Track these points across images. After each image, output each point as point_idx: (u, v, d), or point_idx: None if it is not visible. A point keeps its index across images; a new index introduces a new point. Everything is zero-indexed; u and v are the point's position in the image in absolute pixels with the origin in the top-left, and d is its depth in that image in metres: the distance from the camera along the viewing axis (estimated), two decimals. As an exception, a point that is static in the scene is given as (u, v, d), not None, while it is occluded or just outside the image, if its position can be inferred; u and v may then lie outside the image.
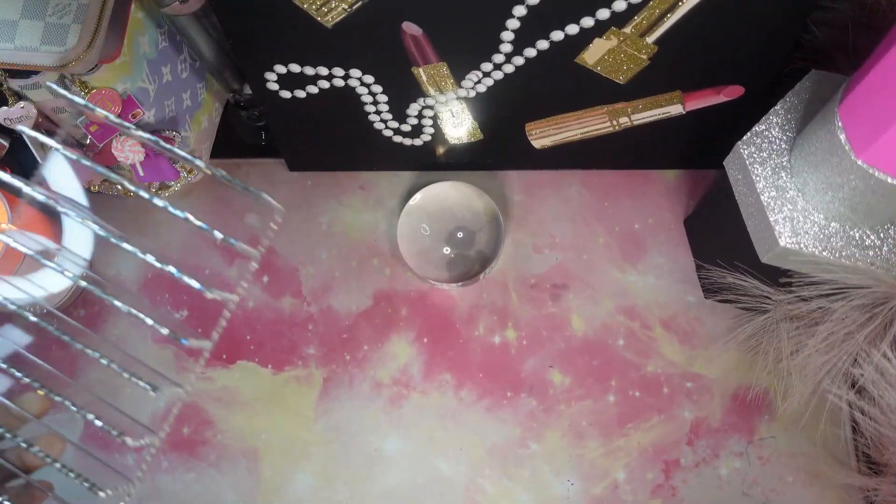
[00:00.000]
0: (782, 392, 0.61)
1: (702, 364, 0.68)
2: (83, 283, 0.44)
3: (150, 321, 0.43)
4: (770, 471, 0.65)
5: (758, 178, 0.54)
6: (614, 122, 0.66)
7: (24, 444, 0.39)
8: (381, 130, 0.68)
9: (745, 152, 0.55)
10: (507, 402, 0.67)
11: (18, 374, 0.44)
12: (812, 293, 0.54)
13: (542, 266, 0.71)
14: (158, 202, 0.39)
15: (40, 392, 0.43)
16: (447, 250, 0.68)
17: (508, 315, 0.70)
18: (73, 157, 0.40)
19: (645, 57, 0.58)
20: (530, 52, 0.57)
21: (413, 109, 0.65)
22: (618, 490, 0.65)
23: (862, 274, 0.51)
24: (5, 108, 0.56)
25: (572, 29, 0.55)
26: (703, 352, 0.68)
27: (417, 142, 0.70)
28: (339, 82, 0.61)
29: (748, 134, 0.56)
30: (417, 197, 0.70)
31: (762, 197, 0.54)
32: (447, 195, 0.70)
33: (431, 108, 0.65)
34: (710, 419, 0.67)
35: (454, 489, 0.66)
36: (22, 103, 0.56)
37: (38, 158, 0.61)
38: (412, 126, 0.68)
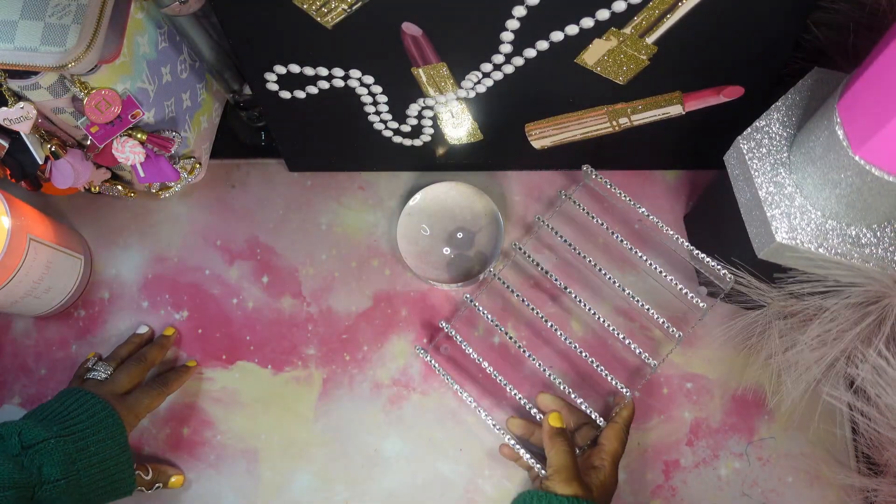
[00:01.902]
0: (774, 390, 0.61)
1: (701, 364, 0.68)
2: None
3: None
4: (770, 471, 0.65)
5: (756, 174, 0.54)
6: (614, 123, 0.66)
7: None
8: (380, 131, 0.68)
9: (745, 147, 0.55)
10: (507, 403, 0.67)
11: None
12: (807, 290, 0.54)
13: (542, 266, 0.71)
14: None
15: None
16: (447, 251, 0.68)
17: (508, 315, 0.70)
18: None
19: (645, 57, 0.58)
20: (530, 53, 0.57)
21: (413, 110, 0.65)
22: (618, 490, 0.65)
23: (857, 272, 0.51)
24: (5, 108, 0.56)
25: (572, 29, 0.55)
26: (702, 352, 0.68)
27: (417, 142, 0.70)
28: (339, 83, 0.61)
29: (748, 129, 0.56)
30: (417, 197, 0.70)
31: (760, 192, 0.54)
32: (447, 195, 0.70)
33: (431, 108, 0.65)
34: (710, 420, 0.67)
35: (454, 490, 0.65)
36: (21, 104, 0.56)
37: (38, 159, 0.61)
38: (412, 126, 0.68)
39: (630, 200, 0.66)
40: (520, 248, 0.68)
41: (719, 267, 0.60)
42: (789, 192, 0.54)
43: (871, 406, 0.54)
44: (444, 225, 0.69)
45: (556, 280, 0.65)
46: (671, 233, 0.64)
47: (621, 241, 0.65)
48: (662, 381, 0.68)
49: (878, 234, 0.52)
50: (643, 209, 0.65)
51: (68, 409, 0.58)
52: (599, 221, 0.66)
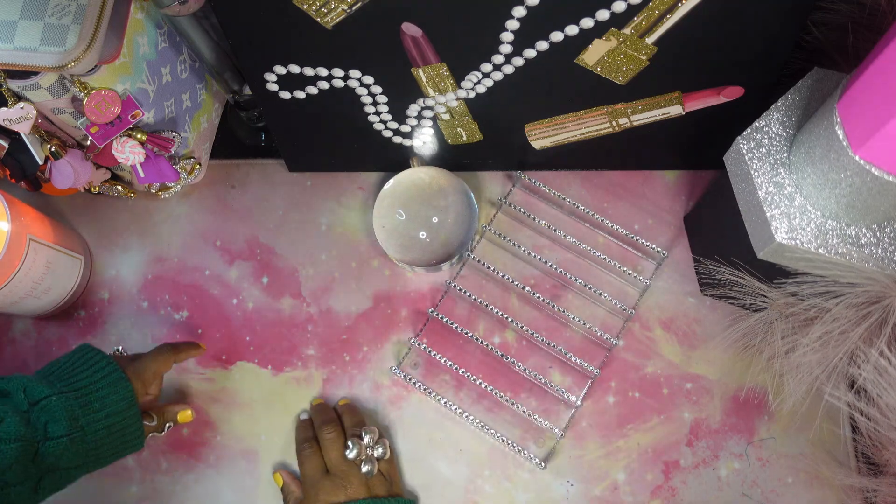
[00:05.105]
0: (777, 391, 0.61)
1: (701, 365, 0.68)
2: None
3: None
4: (770, 472, 0.65)
5: (756, 174, 0.54)
6: (614, 123, 0.66)
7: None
8: (380, 131, 0.68)
9: (745, 147, 0.55)
10: (506, 403, 0.67)
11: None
12: (807, 291, 0.54)
13: (541, 266, 0.71)
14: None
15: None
16: (423, 235, 0.68)
17: (508, 315, 0.70)
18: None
19: (644, 58, 0.58)
20: (530, 53, 0.57)
21: (413, 110, 0.65)
22: (617, 491, 0.65)
23: (857, 272, 0.51)
24: (4, 108, 0.56)
25: (572, 30, 0.55)
26: (702, 352, 0.68)
27: (417, 142, 0.70)
28: (339, 83, 0.61)
29: (748, 129, 0.56)
30: (391, 182, 0.70)
31: (759, 192, 0.54)
32: (420, 179, 0.70)
33: (431, 108, 0.65)
34: (710, 420, 0.67)
35: (454, 490, 0.65)
36: (21, 104, 0.56)
37: (38, 159, 0.61)
38: (412, 127, 0.68)
39: (556, 193, 0.72)
40: (488, 227, 0.71)
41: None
42: (789, 192, 0.54)
43: (872, 406, 0.54)
44: (419, 209, 0.68)
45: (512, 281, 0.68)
46: (598, 217, 0.71)
47: (561, 233, 0.70)
48: (662, 382, 0.68)
49: (878, 234, 0.52)
50: (567, 199, 0.71)
51: (74, 365, 0.58)
52: (539, 220, 0.71)
